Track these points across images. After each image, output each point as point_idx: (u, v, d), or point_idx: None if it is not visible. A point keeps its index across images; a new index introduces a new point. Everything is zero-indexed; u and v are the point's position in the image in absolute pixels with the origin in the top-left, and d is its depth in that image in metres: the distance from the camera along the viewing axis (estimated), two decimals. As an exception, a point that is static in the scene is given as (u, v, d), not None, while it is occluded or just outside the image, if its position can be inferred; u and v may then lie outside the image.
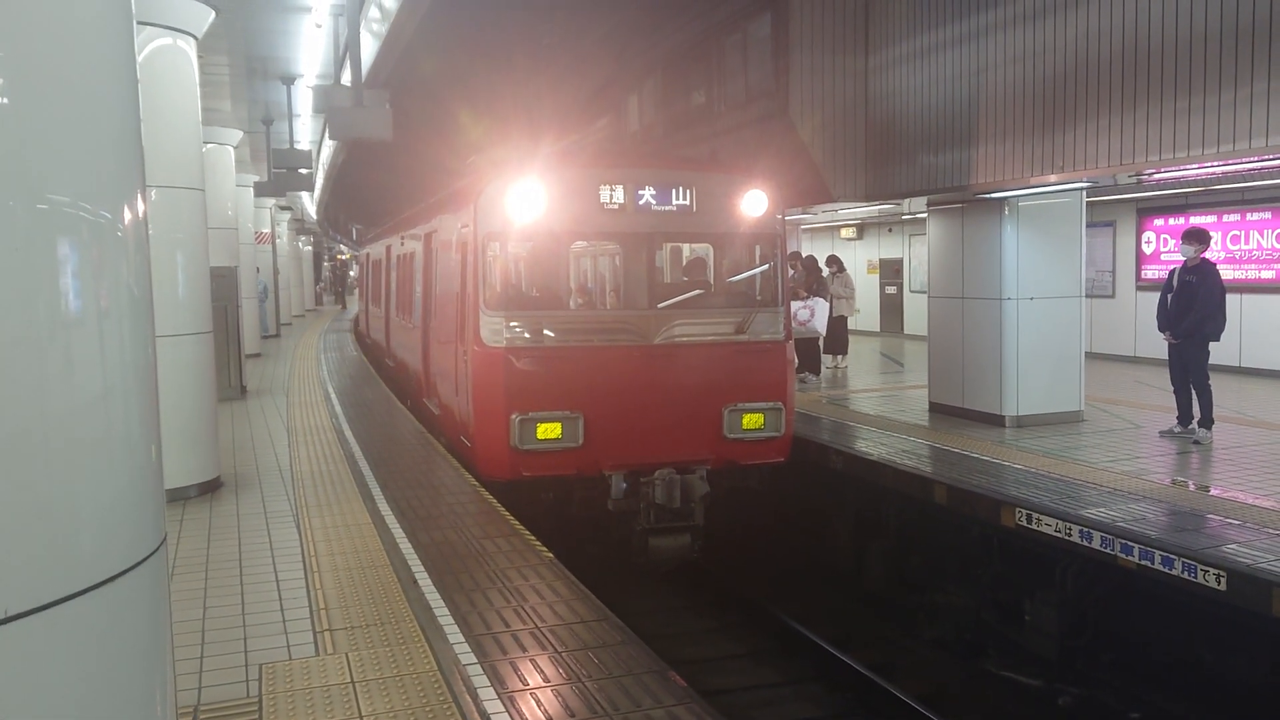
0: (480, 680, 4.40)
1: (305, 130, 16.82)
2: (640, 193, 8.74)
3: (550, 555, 6.27)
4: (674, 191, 8.83)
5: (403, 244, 14.54)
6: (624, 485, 8.39)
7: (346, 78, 10.01)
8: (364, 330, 23.58)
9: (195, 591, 5.70)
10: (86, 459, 1.69)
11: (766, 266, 9.39)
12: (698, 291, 9.25)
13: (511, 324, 8.44)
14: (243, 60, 11.45)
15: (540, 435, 8.28)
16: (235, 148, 16.40)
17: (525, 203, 8.38)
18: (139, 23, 6.85)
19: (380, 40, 9.75)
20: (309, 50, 11.00)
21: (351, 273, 65.42)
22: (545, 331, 8.54)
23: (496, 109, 19.58)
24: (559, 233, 8.73)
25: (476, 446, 8.63)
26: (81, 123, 1.71)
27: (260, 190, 18.80)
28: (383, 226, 22.33)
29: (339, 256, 70.58)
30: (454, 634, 4.95)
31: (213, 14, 8.28)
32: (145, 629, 1.84)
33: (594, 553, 8.56)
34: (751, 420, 8.82)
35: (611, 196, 8.68)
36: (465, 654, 4.69)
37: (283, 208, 30.28)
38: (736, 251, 9.54)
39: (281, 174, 15.83)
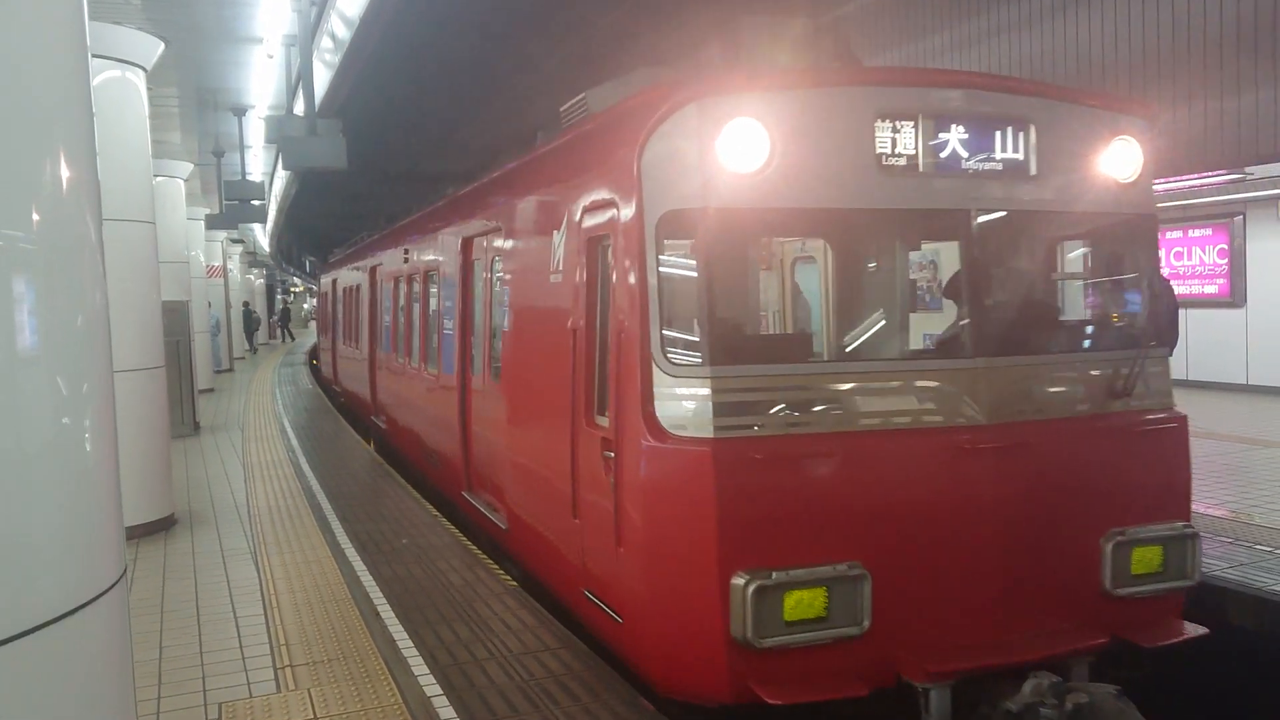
0: (447, 713, 4.34)
1: (257, 162, 16.68)
2: (942, 136, 4.76)
3: (515, 584, 6.22)
4: (999, 134, 4.88)
5: (406, 260, 10.98)
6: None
7: (299, 108, 9.96)
8: (331, 377, 19.52)
9: (151, 633, 5.57)
10: (42, 494, 1.65)
11: (1136, 274, 5.45)
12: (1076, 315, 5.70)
13: (725, 396, 4.40)
14: (193, 92, 11.34)
15: (790, 614, 4.26)
16: (186, 180, 16.22)
17: (743, 154, 4.43)
18: (87, 54, 6.72)
19: (333, 70, 9.72)
20: (260, 81, 10.93)
21: (306, 305, 64.63)
22: (788, 409, 4.50)
23: (453, 138, 19.60)
24: (804, 217, 4.99)
25: (643, 633, 4.61)
26: (36, 157, 1.69)
27: (212, 223, 18.60)
28: (364, 243, 16.67)
29: (293, 289, 69.66)
30: (419, 667, 4.88)
31: (162, 45, 8.21)
32: (106, 662, 1.80)
33: None
34: (1145, 558, 4.99)
35: (895, 142, 4.70)
36: (431, 686, 4.63)
37: (235, 240, 29.97)
38: (1100, 247, 5.70)
39: (234, 206, 15.67)
